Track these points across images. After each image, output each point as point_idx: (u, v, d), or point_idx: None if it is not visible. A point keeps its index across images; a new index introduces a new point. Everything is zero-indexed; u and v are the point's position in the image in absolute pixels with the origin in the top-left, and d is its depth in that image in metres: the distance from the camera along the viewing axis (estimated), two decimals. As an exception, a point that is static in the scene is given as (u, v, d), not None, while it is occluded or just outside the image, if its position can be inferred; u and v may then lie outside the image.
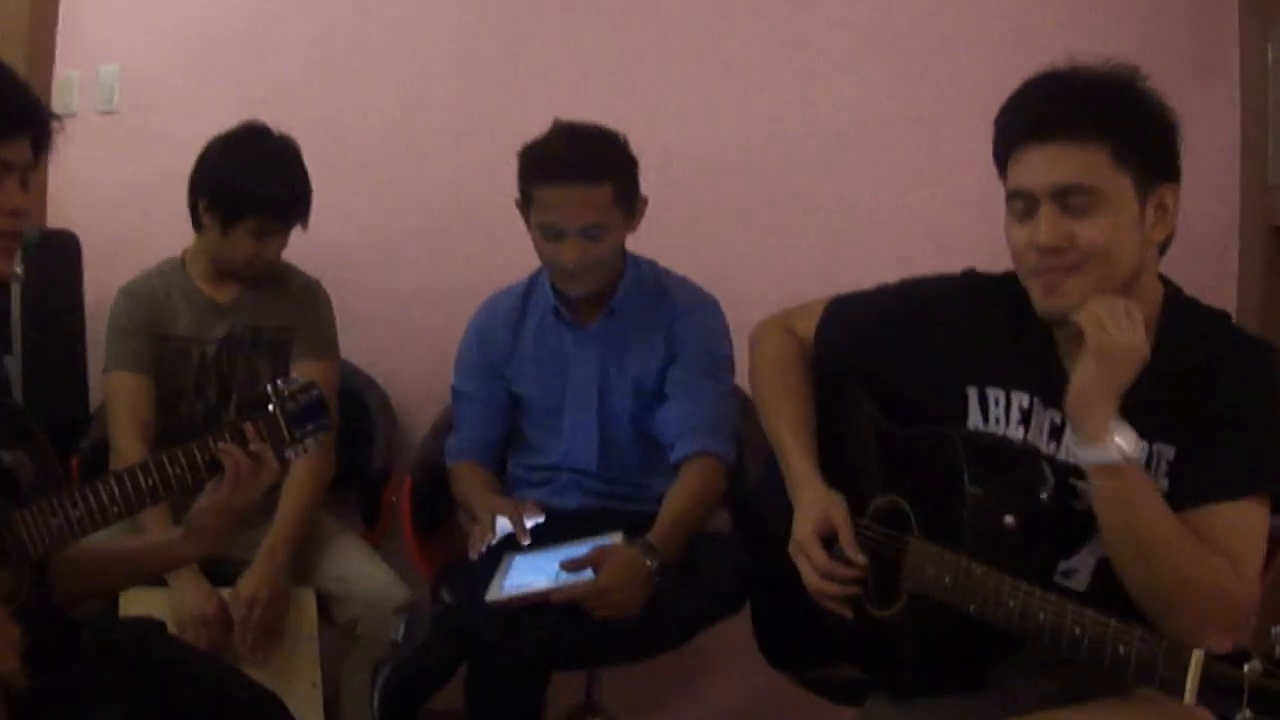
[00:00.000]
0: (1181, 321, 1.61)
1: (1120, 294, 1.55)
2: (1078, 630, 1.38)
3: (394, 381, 2.91)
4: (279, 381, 1.76)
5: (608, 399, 2.44)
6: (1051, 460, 1.61)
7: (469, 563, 2.29)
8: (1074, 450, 1.53)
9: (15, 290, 2.66)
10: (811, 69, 2.91)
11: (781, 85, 2.92)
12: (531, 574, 2.20)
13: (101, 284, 2.76)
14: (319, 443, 1.78)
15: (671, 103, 2.94)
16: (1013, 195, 1.61)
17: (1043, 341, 1.66)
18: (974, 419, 1.71)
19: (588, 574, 2.15)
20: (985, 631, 1.50)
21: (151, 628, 1.87)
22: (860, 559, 1.71)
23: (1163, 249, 1.62)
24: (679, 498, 2.31)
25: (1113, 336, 1.48)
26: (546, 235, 2.33)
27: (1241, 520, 1.51)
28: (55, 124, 1.65)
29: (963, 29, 2.86)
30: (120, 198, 3.07)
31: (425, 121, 3.02)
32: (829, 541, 1.74)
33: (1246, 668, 1.23)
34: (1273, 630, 1.25)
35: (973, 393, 1.71)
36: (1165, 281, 1.65)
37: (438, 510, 2.59)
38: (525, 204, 2.36)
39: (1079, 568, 1.61)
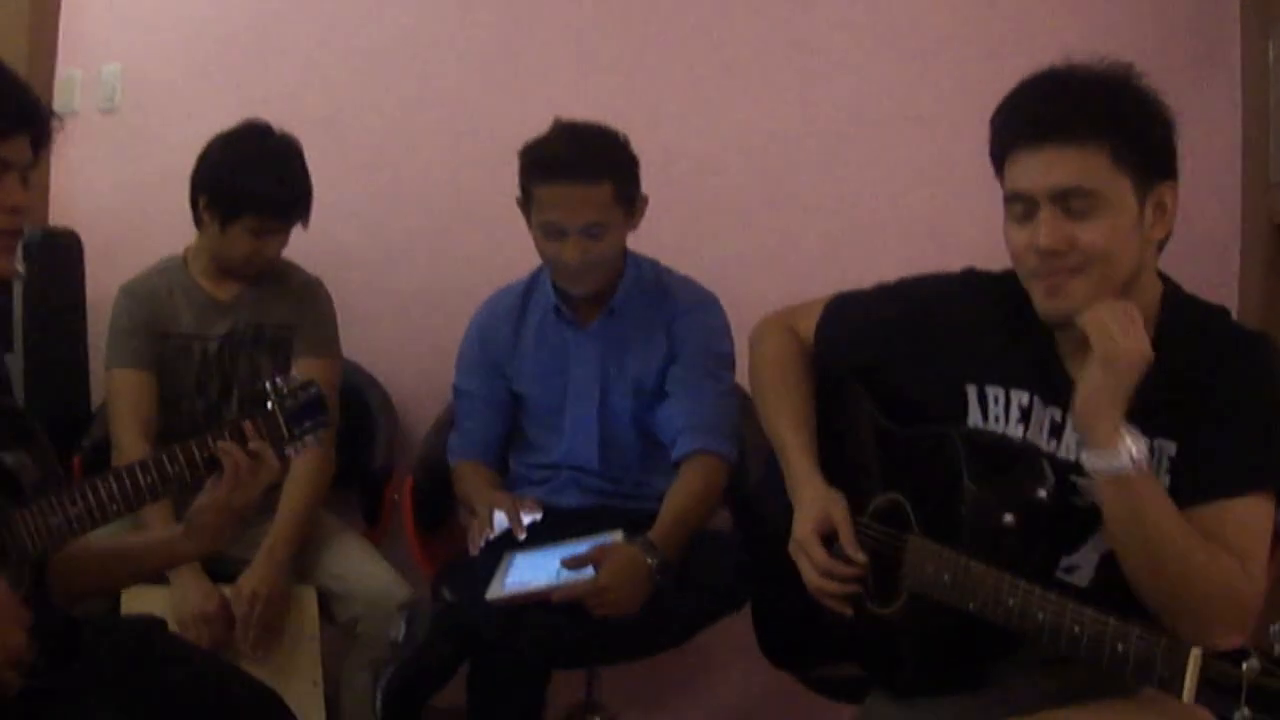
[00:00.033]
0: (1180, 318, 1.61)
1: (1120, 293, 1.55)
2: (1076, 628, 1.38)
3: (395, 380, 2.91)
4: (277, 379, 1.76)
5: (608, 397, 2.44)
6: (1051, 458, 1.61)
7: (470, 561, 2.30)
8: (1084, 459, 1.52)
9: (17, 289, 2.66)
10: (811, 69, 2.91)
11: (781, 85, 2.93)
12: (532, 572, 2.20)
13: (103, 282, 2.76)
14: (318, 440, 1.79)
15: (672, 102, 2.94)
16: (1011, 198, 1.60)
17: (1042, 340, 1.66)
18: (973, 417, 1.70)
19: (588, 572, 2.15)
20: (985, 630, 1.50)
21: (152, 626, 1.86)
22: (860, 557, 1.70)
23: (1160, 245, 1.62)
24: (680, 496, 2.31)
25: (1118, 343, 1.48)
26: (547, 234, 2.33)
27: (1248, 516, 1.50)
28: (55, 122, 1.65)
29: (963, 29, 2.86)
30: (122, 196, 3.08)
31: (425, 121, 3.02)
32: (829, 540, 1.74)
33: (1245, 666, 1.23)
34: (1271, 628, 1.25)
35: (972, 391, 1.71)
36: (1164, 278, 1.65)
37: (439, 509, 2.59)
38: (526, 203, 2.37)
39: (1082, 563, 1.61)
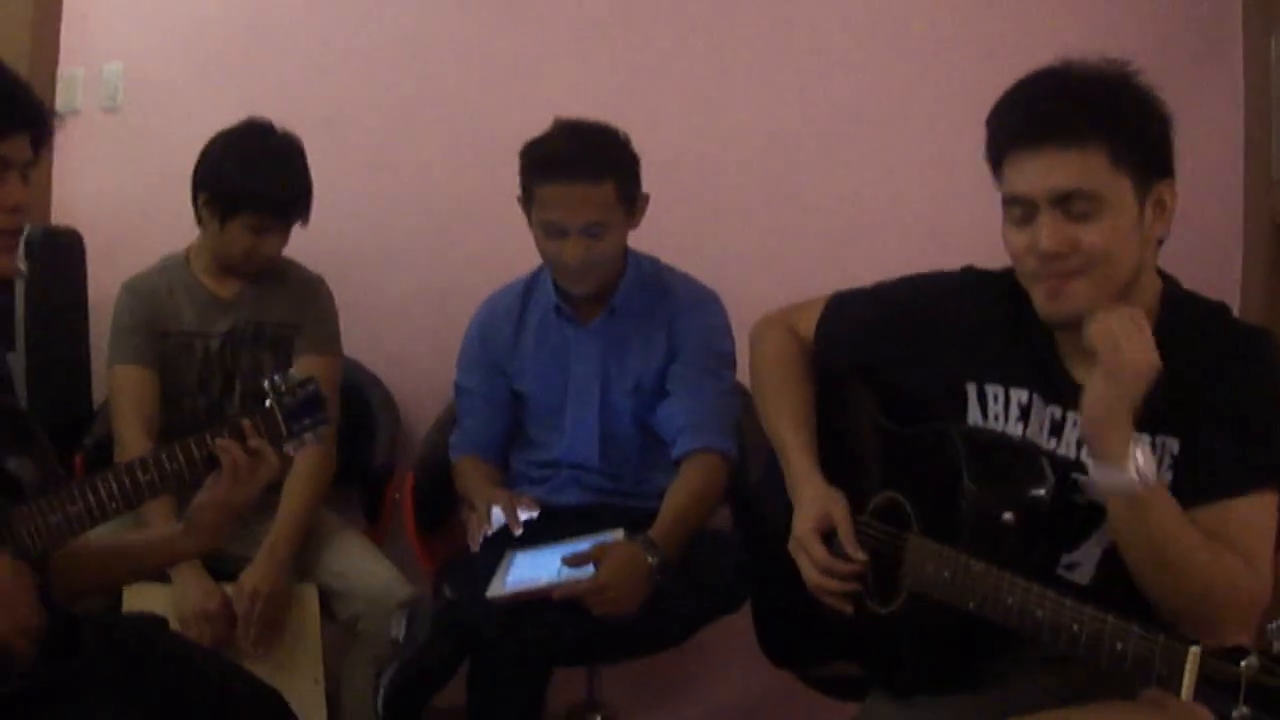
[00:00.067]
0: (1180, 315, 1.61)
1: (1121, 293, 1.55)
2: (1075, 627, 1.38)
3: (396, 378, 2.91)
4: (276, 377, 1.77)
5: (609, 396, 2.44)
6: (1051, 456, 1.61)
7: (471, 559, 2.30)
8: (1092, 473, 1.52)
9: (19, 287, 2.67)
10: (811, 69, 2.91)
11: (781, 85, 2.93)
12: (532, 570, 2.20)
13: (105, 281, 2.76)
14: (318, 437, 1.79)
15: (672, 101, 2.94)
16: (1010, 200, 1.59)
17: (1042, 338, 1.66)
18: (973, 415, 1.70)
19: (589, 570, 2.15)
20: (985, 628, 1.50)
21: (153, 624, 1.87)
22: (860, 556, 1.70)
23: (1160, 243, 1.62)
24: (680, 494, 2.31)
25: (1124, 353, 1.47)
26: (548, 233, 2.33)
27: (1253, 515, 1.51)
28: (55, 121, 1.65)
29: (963, 29, 2.86)
30: (123, 195, 3.08)
31: (425, 121, 3.02)
32: (829, 538, 1.74)
33: (1243, 664, 1.23)
34: (1269, 626, 1.25)
35: (972, 389, 1.71)
36: (1163, 275, 1.64)
37: (440, 507, 2.59)
38: (527, 201, 2.37)
39: (1083, 560, 1.61)
